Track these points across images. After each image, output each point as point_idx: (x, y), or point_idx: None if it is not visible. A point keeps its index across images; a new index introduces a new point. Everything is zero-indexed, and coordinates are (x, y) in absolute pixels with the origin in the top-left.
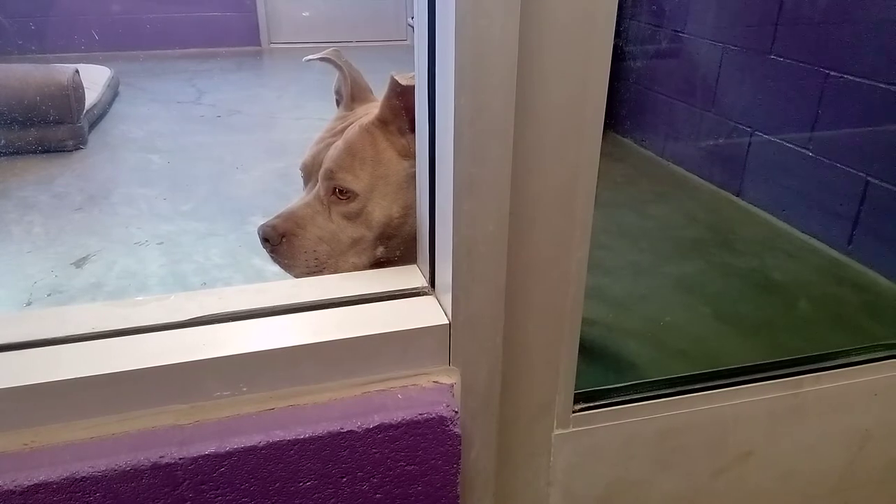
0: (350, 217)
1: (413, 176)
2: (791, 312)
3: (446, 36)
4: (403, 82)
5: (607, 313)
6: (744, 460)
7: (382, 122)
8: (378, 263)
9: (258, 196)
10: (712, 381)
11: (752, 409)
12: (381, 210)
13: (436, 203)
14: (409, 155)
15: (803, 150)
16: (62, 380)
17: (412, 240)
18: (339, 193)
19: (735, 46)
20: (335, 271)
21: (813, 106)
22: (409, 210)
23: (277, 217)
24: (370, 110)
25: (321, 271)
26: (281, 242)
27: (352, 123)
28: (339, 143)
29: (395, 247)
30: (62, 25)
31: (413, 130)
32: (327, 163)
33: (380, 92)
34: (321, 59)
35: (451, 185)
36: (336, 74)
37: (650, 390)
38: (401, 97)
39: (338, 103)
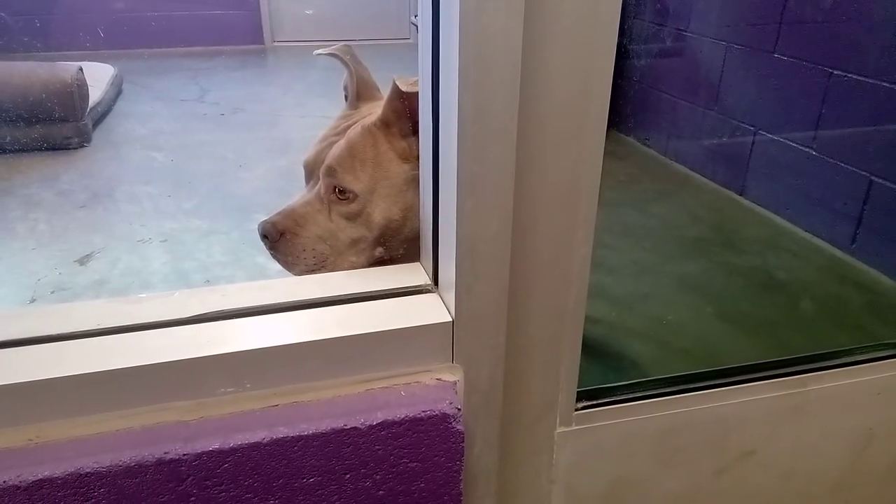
0: (350, 217)
1: (414, 179)
2: (794, 311)
3: (450, 34)
4: (405, 88)
5: (610, 312)
6: (746, 459)
7: (384, 123)
8: (378, 263)
9: (261, 194)
10: (715, 379)
11: (754, 408)
12: (380, 212)
13: (439, 201)
14: (410, 158)
15: (807, 149)
16: (66, 376)
17: (412, 240)
18: (339, 193)
19: (738, 45)
20: (334, 270)
21: (817, 105)
22: (409, 212)
23: (278, 214)
24: (374, 110)
25: (320, 270)
26: (280, 240)
27: (355, 122)
28: (342, 143)
29: (394, 247)
30: (66, 23)
31: (415, 133)
32: (328, 160)
33: (386, 91)
34: (329, 54)
35: (454, 182)
36: (345, 71)
37: (653, 389)
38: (403, 100)
39: (346, 99)
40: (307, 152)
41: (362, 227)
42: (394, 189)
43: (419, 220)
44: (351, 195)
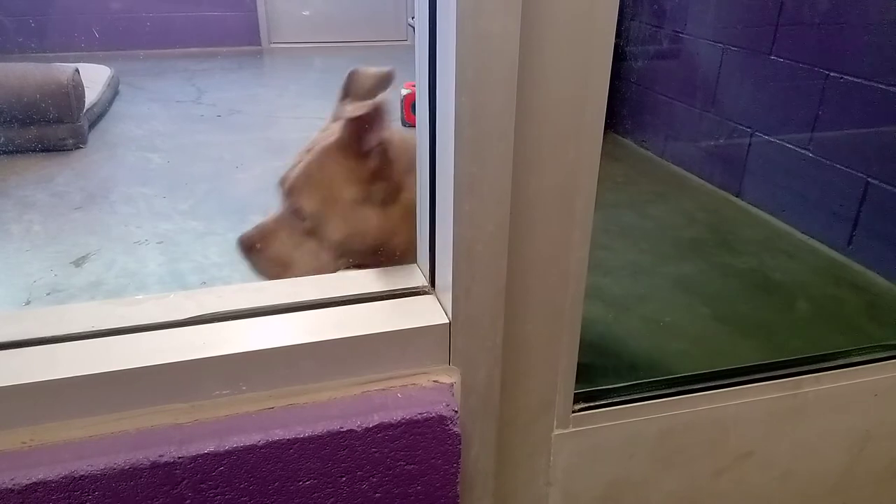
0: (309, 234)
1: (365, 199)
2: (790, 313)
3: (447, 36)
4: (357, 113)
5: (607, 313)
6: (744, 460)
7: (341, 145)
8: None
9: (257, 195)
10: (712, 381)
11: (752, 409)
12: (333, 230)
13: (436, 202)
14: (362, 180)
15: (803, 151)
16: (61, 378)
17: (377, 250)
18: (298, 212)
19: (735, 47)
20: None
21: (813, 106)
22: (364, 230)
23: (253, 228)
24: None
25: None
26: (251, 252)
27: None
28: (301, 164)
29: (361, 258)
30: (62, 24)
31: (367, 155)
32: (290, 181)
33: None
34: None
35: (451, 184)
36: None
37: (650, 390)
38: (359, 122)
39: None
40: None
41: (321, 243)
42: (344, 210)
43: (379, 232)
44: (306, 215)
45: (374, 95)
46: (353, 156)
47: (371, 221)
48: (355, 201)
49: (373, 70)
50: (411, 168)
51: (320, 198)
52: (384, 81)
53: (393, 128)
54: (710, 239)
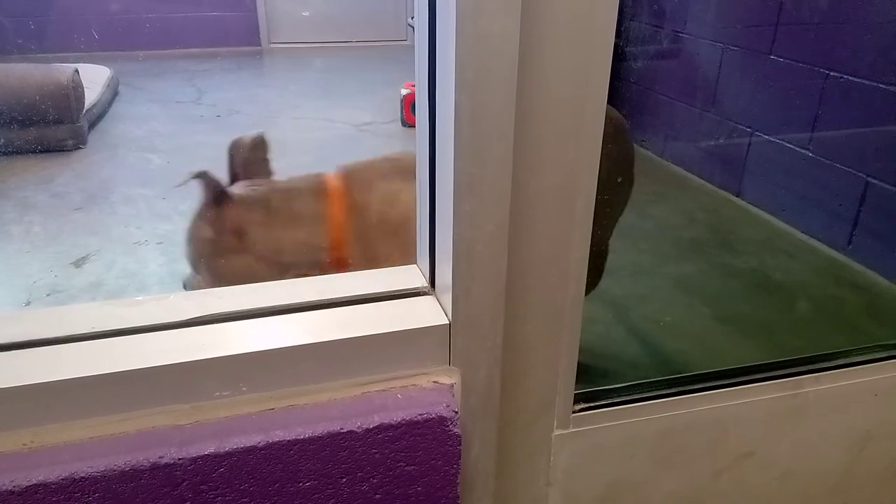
0: (205, 284)
1: (214, 252)
2: (791, 313)
3: (447, 35)
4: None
5: (607, 313)
6: (744, 460)
7: (200, 209)
8: None
9: None
10: (713, 381)
11: (752, 409)
12: (208, 280)
13: (436, 203)
14: (225, 252)
15: (803, 151)
16: (61, 380)
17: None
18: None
19: (735, 47)
20: None
21: (813, 106)
22: (235, 277)
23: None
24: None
25: None
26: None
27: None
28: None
29: None
30: (62, 25)
31: (234, 232)
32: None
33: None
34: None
35: (451, 184)
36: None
37: (650, 390)
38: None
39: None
40: None
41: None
42: (207, 261)
43: (237, 277)
44: (198, 278)
45: (255, 159)
46: (219, 230)
47: (222, 269)
48: (212, 255)
49: (247, 138)
50: (263, 221)
51: (195, 253)
52: (258, 145)
53: (255, 185)
54: (711, 239)
